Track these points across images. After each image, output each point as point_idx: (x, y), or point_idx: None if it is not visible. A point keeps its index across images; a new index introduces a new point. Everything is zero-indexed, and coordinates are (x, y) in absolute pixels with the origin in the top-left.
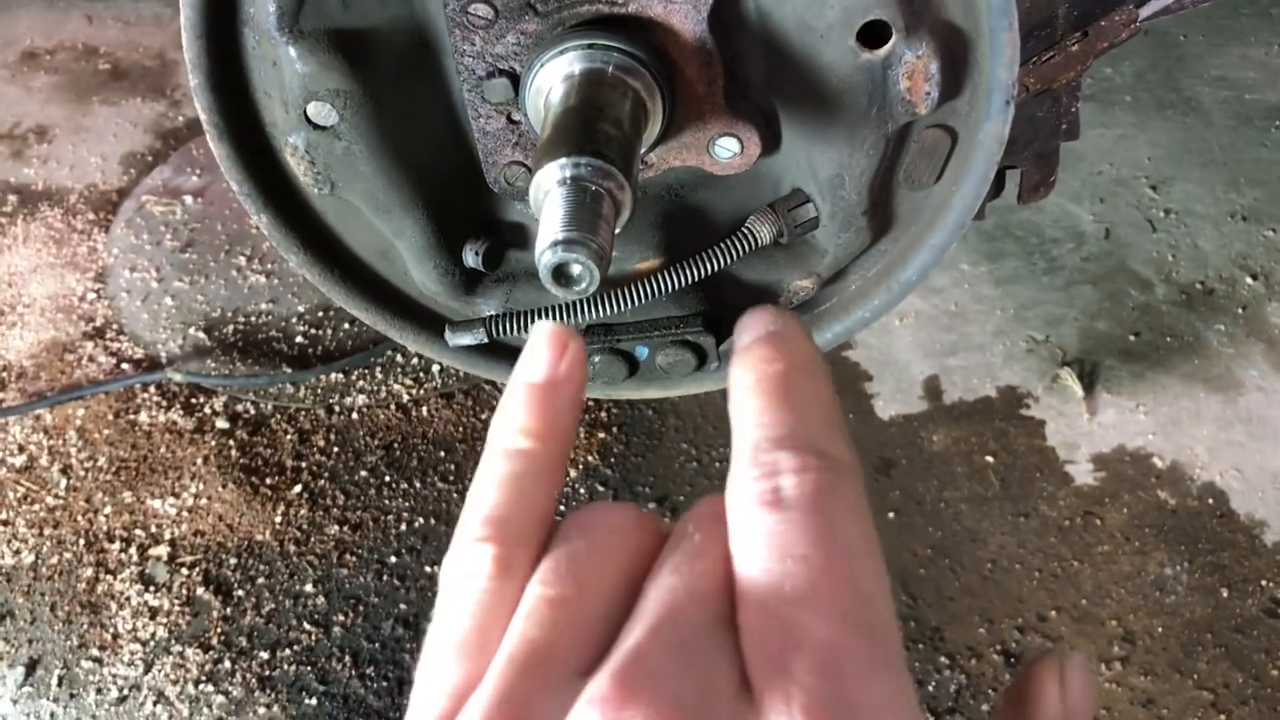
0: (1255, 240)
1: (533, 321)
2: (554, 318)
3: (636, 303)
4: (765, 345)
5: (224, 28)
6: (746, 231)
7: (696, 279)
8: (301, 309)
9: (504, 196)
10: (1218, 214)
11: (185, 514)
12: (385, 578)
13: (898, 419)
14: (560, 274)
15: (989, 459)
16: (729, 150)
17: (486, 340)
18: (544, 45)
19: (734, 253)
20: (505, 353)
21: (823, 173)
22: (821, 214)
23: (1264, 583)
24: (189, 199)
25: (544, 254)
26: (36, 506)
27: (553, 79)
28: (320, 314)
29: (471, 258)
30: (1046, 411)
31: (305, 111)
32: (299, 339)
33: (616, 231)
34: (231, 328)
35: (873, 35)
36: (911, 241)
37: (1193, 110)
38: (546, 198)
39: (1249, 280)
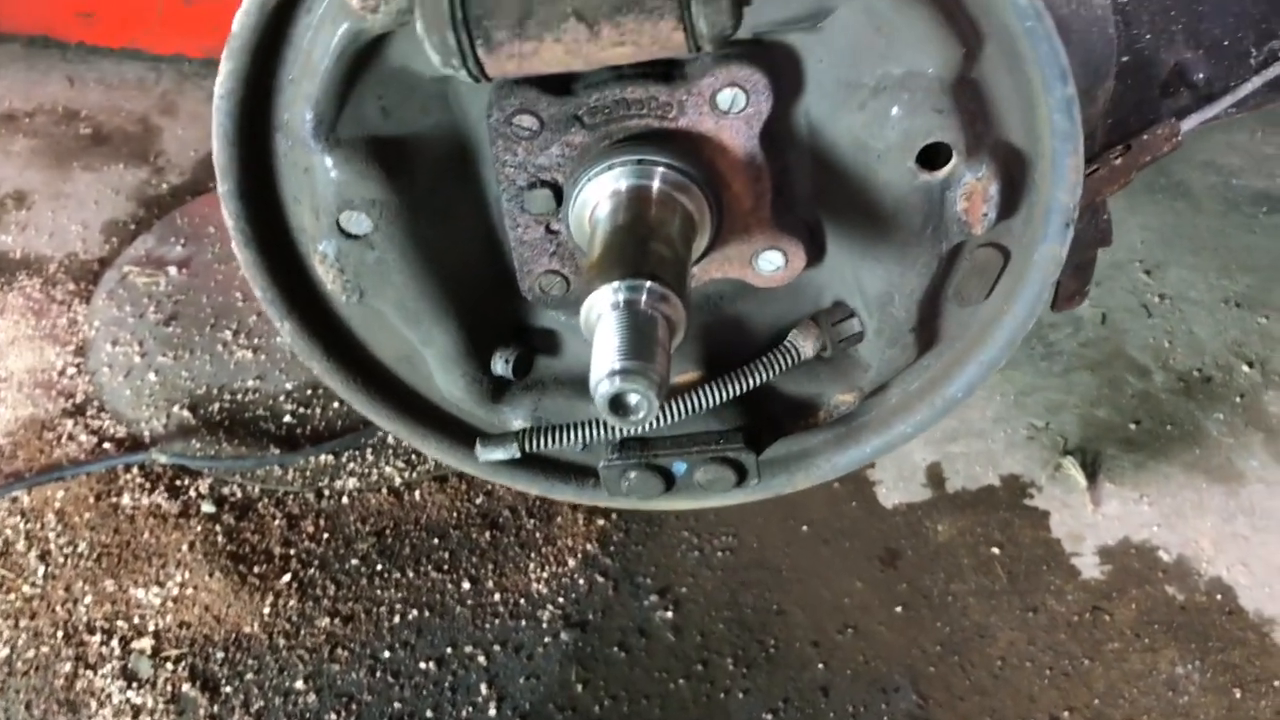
0: (1250, 327)
1: (567, 436)
2: (589, 433)
3: (676, 419)
4: None
5: (255, 133)
6: (789, 346)
7: (738, 394)
8: (289, 386)
9: (537, 304)
10: (1211, 300)
11: (170, 604)
12: (378, 674)
13: (901, 507)
14: (617, 404)
15: (995, 550)
16: (773, 264)
17: (519, 456)
18: (590, 158)
19: (776, 368)
20: (536, 464)
21: (871, 289)
22: (867, 329)
23: (1277, 683)
24: (173, 270)
25: (600, 383)
26: (12, 596)
27: (600, 193)
28: (309, 391)
29: (501, 365)
30: (1050, 501)
31: (338, 220)
32: (287, 418)
33: (671, 353)
34: (217, 405)
35: (932, 157)
36: (957, 357)
37: (1182, 195)
38: (600, 321)
39: (1245, 368)
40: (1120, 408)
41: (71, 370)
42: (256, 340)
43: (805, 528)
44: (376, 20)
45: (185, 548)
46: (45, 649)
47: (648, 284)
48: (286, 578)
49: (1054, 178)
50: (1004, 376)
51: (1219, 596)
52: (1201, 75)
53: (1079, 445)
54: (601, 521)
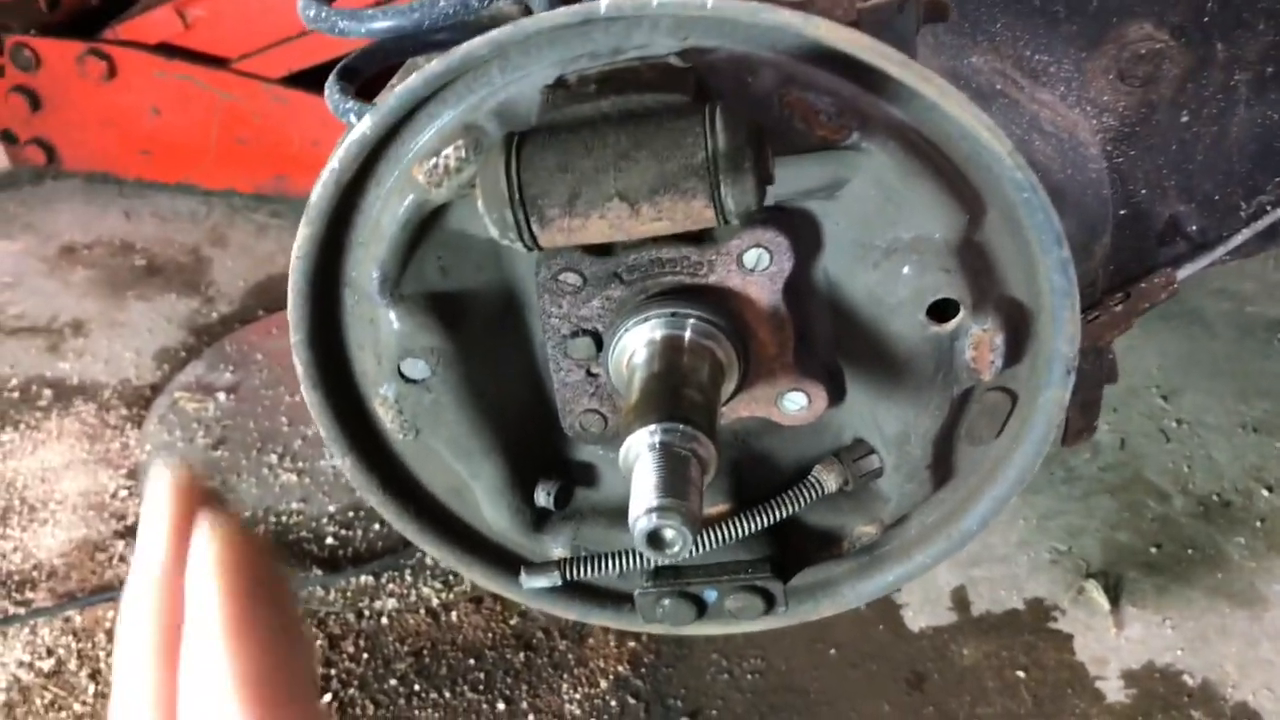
0: (1268, 452)
1: (607, 565)
2: (626, 562)
3: (707, 549)
4: None
5: (325, 288)
6: (813, 480)
7: (765, 526)
8: (332, 509)
9: (577, 439)
10: (1229, 425)
11: None
12: None
13: (928, 631)
14: (654, 538)
15: (1020, 674)
16: (797, 404)
17: (561, 584)
18: (628, 311)
19: (802, 501)
20: (575, 591)
21: (889, 429)
22: (886, 465)
23: None
24: (222, 395)
25: (639, 520)
26: (64, 714)
27: (636, 342)
28: (350, 514)
29: (543, 497)
30: (1074, 625)
31: (399, 366)
32: (329, 539)
33: (703, 490)
34: (262, 528)
35: (942, 310)
36: (971, 492)
37: (1196, 322)
38: (637, 460)
39: (1265, 493)
40: (1141, 532)
41: (123, 493)
42: (301, 464)
43: (833, 651)
44: (440, 194)
45: None
46: None
47: (681, 427)
48: (327, 697)
49: (1054, 329)
50: (1026, 501)
51: None
52: (1195, 227)
53: (1101, 569)
54: (633, 643)
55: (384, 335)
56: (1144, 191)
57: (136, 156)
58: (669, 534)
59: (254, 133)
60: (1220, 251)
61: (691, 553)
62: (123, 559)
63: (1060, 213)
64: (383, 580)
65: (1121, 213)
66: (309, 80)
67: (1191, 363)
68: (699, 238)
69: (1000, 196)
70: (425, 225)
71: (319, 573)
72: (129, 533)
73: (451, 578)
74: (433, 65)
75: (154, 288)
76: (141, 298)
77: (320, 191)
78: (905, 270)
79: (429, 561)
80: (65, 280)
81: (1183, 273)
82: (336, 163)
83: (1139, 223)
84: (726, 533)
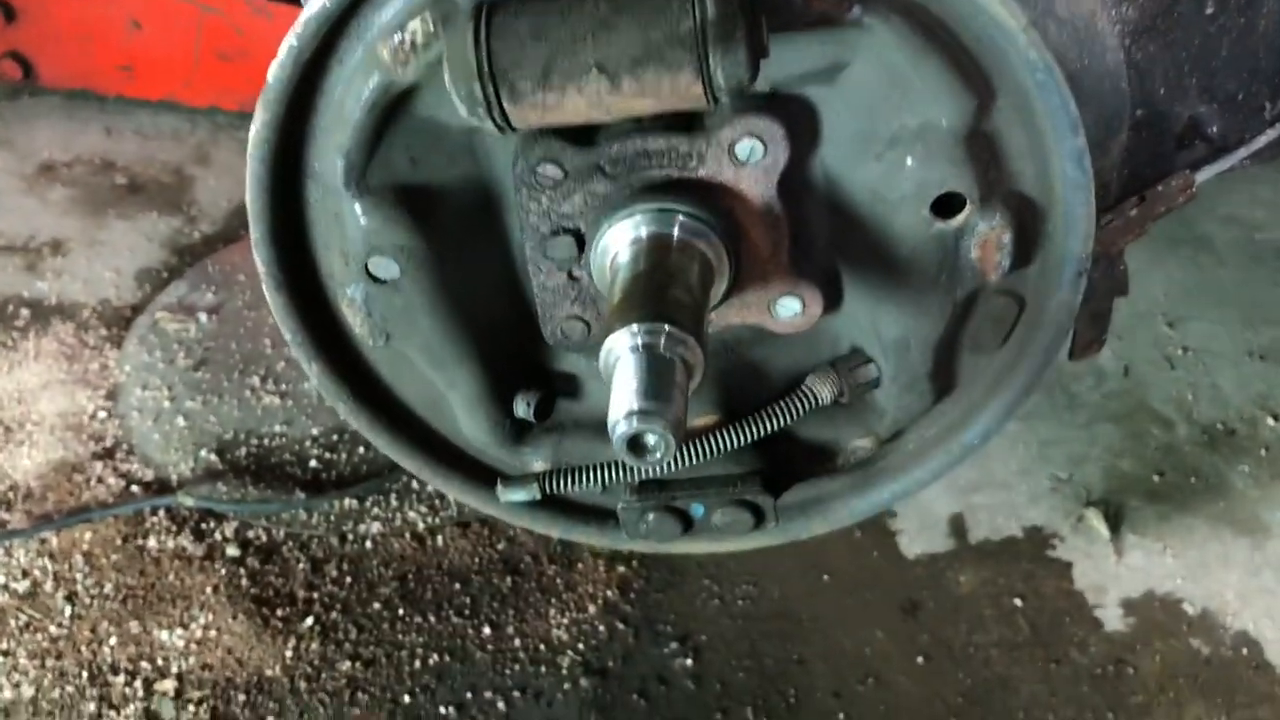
0: (1274, 380)
1: (587, 478)
2: (609, 474)
3: (693, 461)
4: None
5: (288, 181)
6: (806, 391)
7: (755, 438)
8: (316, 432)
9: (558, 348)
10: (1235, 353)
11: (193, 646)
12: (398, 718)
13: (923, 558)
14: (635, 444)
15: (1017, 601)
16: (791, 310)
17: (540, 497)
18: (612, 206)
19: (793, 412)
20: (557, 506)
21: (888, 335)
22: (884, 375)
23: None
24: (203, 316)
25: (618, 424)
26: (39, 636)
27: (621, 240)
28: (335, 437)
29: (523, 408)
30: (1073, 553)
31: (366, 265)
32: (313, 463)
33: (688, 396)
34: (244, 450)
35: (947, 206)
36: (974, 404)
37: (1205, 249)
38: (618, 363)
39: (1270, 421)
40: (1144, 459)
41: (102, 414)
42: (284, 386)
43: (827, 577)
44: (407, 73)
45: (209, 590)
46: (70, 689)
47: (666, 328)
48: (309, 621)
49: (1067, 228)
50: (1027, 427)
51: (1245, 651)
52: (1215, 128)
53: (1102, 497)
54: (622, 569)
55: (350, 231)
56: (1163, 91)
57: (116, 72)
58: (650, 439)
59: (237, 48)
60: (1241, 154)
61: (676, 463)
62: (100, 481)
63: (1076, 102)
64: (367, 504)
65: (1139, 113)
66: None
67: (1199, 290)
68: (688, 126)
69: (1012, 80)
70: (392, 110)
71: (302, 496)
72: (107, 455)
73: (438, 501)
74: None
75: (135, 206)
76: (122, 217)
77: (277, 71)
78: (909, 162)
79: (415, 485)
80: (44, 198)
81: (1201, 175)
82: (294, 39)
83: (1157, 124)
84: (714, 444)
